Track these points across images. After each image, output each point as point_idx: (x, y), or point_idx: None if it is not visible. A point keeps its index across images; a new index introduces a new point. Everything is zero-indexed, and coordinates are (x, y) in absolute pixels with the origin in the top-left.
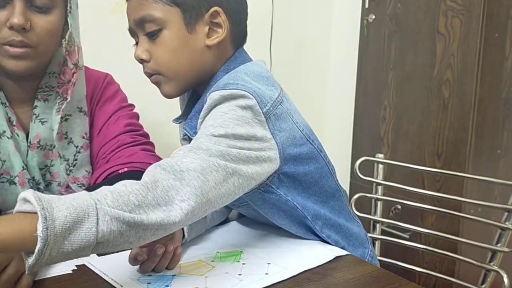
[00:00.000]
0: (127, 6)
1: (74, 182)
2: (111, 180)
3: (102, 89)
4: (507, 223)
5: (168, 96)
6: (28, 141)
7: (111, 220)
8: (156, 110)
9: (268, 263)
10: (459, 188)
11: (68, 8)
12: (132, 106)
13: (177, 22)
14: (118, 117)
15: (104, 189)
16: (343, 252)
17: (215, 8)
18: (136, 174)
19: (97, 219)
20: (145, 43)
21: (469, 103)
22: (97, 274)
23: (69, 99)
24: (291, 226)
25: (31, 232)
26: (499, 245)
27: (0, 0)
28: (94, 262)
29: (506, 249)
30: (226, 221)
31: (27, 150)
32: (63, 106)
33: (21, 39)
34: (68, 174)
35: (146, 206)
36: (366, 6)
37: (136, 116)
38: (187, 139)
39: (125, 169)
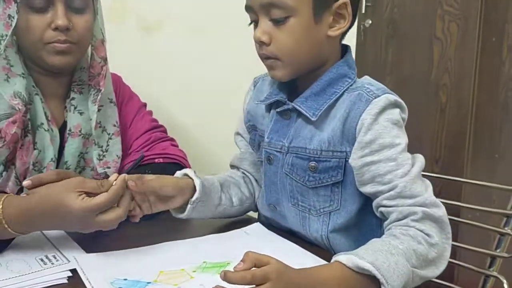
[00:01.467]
0: None
1: (103, 166)
2: (144, 166)
3: (119, 88)
4: (506, 228)
5: (279, 79)
6: (68, 129)
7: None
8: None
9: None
10: (458, 193)
11: (97, 6)
12: (145, 104)
13: (307, 11)
14: (143, 114)
15: (410, 247)
16: None
17: (346, 4)
18: (170, 165)
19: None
20: (267, 26)
21: (466, 107)
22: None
23: (103, 90)
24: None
25: None
26: (498, 250)
27: (43, 5)
28: (80, 259)
29: (505, 255)
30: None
31: (59, 143)
32: (98, 97)
33: (65, 38)
34: (100, 160)
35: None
36: (363, 11)
37: (151, 114)
38: (282, 118)
39: (161, 160)
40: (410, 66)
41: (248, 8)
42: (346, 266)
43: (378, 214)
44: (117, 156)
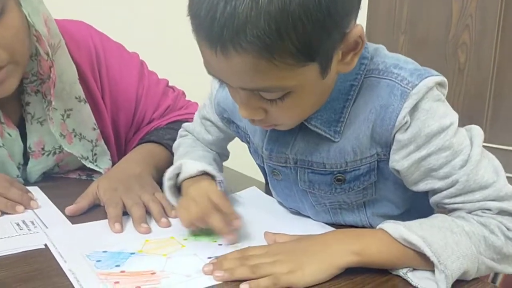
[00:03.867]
0: (218, 60)
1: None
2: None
3: (102, 51)
4: None
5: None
6: (28, 147)
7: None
8: None
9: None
10: None
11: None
12: (136, 54)
13: (312, 78)
14: (150, 83)
15: (479, 232)
16: None
17: (358, 32)
18: None
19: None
20: (256, 102)
21: (487, 68)
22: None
23: (53, 103)
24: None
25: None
26: None
27: None
28: (54, 230)
29: None
30: None
31: (23, 153)
32: (51, 112)
33: None
34: (96, 165)
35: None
36: None
37: (147, 66)
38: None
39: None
40: (426, 24)
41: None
42: (391, 236)
43: (434, 207)
44: (109, 160)
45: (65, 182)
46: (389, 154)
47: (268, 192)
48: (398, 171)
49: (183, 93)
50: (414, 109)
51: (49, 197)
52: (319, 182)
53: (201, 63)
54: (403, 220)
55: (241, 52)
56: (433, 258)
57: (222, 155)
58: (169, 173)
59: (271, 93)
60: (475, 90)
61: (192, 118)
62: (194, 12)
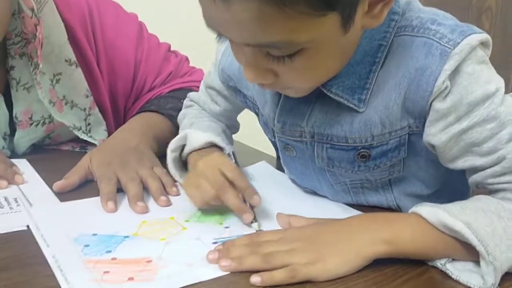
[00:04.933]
0: (217, 8)
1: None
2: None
3: (96, 10)
4: None
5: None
6: (14, 116)
7: None
8: None
9: (261, 230)
10: None
11: None
12: (134, 15)
13: (331, 32)
14: (150, 47)
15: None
16: None
17: None
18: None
19: None
20: (264, 62)
21: None
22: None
23: (41, 66)
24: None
25: None
26: None
27: None
28: (41, 210)
29: None
30: None
31: (9, 123)
32: (38, 76)
33: None
34: (90, 137)
35: None
36: None
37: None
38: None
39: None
40: None
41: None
42: (427, 221)
43: (474, 187)
44: (104, 130)
45: (56, 154)
46: (423, 126)
47: (279, 167)
48: (433, 146)
49: (187, 59)
50: (455, 72)
51: (37, 171)
52: (340, 159)
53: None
54: (434, 200)
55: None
56: (479, 248)
57: (231, 126)
58: (172, 144)
59: (280, 50)
60: (500, 59)
61: (197, 86)
62: None
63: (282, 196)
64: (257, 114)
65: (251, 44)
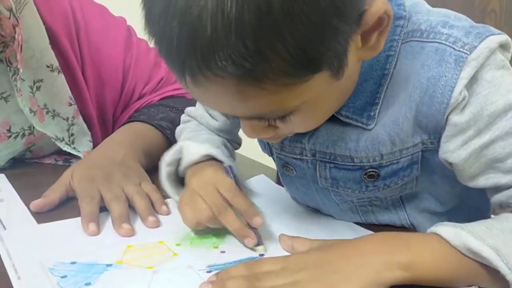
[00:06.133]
0: (191, 89)
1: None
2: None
3: (80, 14)
4: None
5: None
6: None
7: None
8: None
9: (261, 255)
10: None
11: None
12: (122, 19)
13: (322, 86)
14: (139, 52)
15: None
16: None
17: (381, 7)
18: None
19: None
20: (261, 124)
21: None
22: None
23: (21, 70)
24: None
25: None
26: None
27: None
28: (15, 234)
29: None
30: None
31: None
32: (18, 83)
33: None
34: (74, 148)
35: None
36: None
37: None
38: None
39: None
40: None
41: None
42: (449, 244)
43: (497, 208)
44: (89, 141)
45: (38, 168)
46: (438, 142)
47: (278, 181)
48: (451, 164)
49: None
50: (472, 81)
51: (15, 188)
52: (345, 179)
53: None
54: (451, 217)
55: (215, 79)
56: (510, 277)
57: (232, 141)
58: (168, 157)
59: (271, 117)
60: None
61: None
62: (147, 9)
63: (282, 213)
64: None
65: (240, 117)
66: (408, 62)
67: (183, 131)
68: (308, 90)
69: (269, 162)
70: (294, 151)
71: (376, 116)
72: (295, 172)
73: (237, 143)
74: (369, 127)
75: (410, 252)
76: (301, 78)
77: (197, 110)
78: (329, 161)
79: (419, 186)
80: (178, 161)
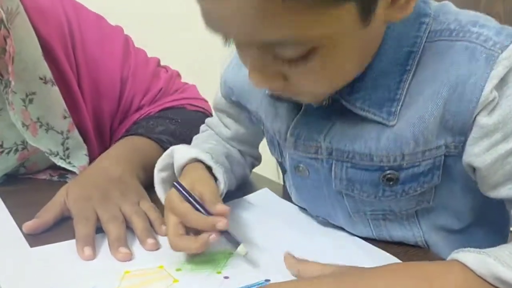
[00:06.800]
0: (213, 2)
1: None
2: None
3: (76, 23)
4: None
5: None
6: None
7: None
8: None
9: (267, 281)
10: None
11: None
12: (119, 28)
13: (347, 25)
14: (137, 62)
15: None
16: None
17: None
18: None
19: None
20: (272, 64)
21: None
22: None
23: (13, 83)
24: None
25: None
26: None
27: None
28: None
29: None
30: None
31: None
32: (10, 96)
33: None
34: (69, 163)
35: None
36: None
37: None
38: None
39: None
40: None
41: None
42: (474, 273)
43: None
44: (85, 155)
45: (32, 184)
46: (462, 147)
47: (284, 196)
48: (474, 170)
49: (178, 74)
50: (502, 82)
51: (8, 206)
52: (362, 181)
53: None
54: (467, 236)
55: None
56: None
57: (245, 154)
58: (159, 163)
59: (289, 49)
60: None
61: (190, 104)
62: None
63: (288, 229)
64: (262, 131)
65: (255, 42)
66: (436, 60)
67: (194, 140)
68: (332, 21)
69: (273, 175)
70: (309, 150)
71: (397, 112)
72: (308, 173)
73: (252, 156)
74: (391, 123)
75: (432, 285)
76: (327, 3)
77: (213, 119)
78: (347, 160)
79: (437, 200)
80: (171, 166)
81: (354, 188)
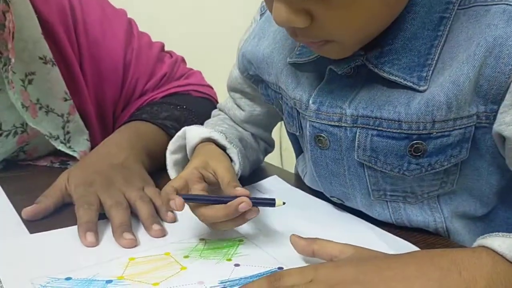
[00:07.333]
0: None
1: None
2: (175, 95)
3: (78, 4)
4: None
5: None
6: None
7: None
8: None
9: (280, 268)
10: None
11: None
12: (123, 11)
13: None
14: (140, 46)
15: None
16: None
17: None
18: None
19: None
20: (299, 2)
21: None
22: None
23: (13, 60)
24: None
25: None
26: None
27: None
28: (4, 245)
29: None
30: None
31: None
32: (10, 74)
33: None
34: (69, 147)
35: None
36: None
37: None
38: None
39: (197, 94)
40: None
41: None
42: (505, 258)
43: None
44: (86, 140)
45: (32, 171)
46: (494, 117)
47: (293, 184)
48: (504, 140)
49: (183, 60)
50: None
51: (7, 193)
52: (387, 151)
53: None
54: (488, 223)
55: None
56: None
57: (258, 137)
58: (171, 144)
59: None
60: None
61: (195, 90)
62: None
63: (300, 216)
64: (280, 105)
65: None
66: (471, 25)
67: (205, 124)
68: None
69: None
70: (332, 117)
71: (429, 78)
72: (329, 144)
73: (266, 141)
74: (421, 88)
75: (463, 278)
76: None
77: (226, 103)
78: (373, 127)
79: (460, 182)
80: (183, 148)
81: (377, 159)
